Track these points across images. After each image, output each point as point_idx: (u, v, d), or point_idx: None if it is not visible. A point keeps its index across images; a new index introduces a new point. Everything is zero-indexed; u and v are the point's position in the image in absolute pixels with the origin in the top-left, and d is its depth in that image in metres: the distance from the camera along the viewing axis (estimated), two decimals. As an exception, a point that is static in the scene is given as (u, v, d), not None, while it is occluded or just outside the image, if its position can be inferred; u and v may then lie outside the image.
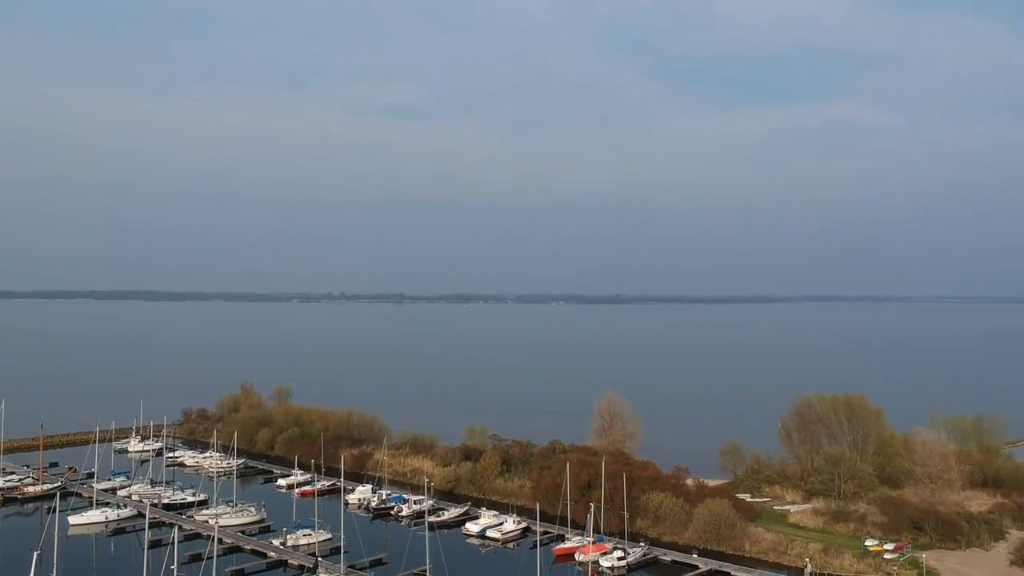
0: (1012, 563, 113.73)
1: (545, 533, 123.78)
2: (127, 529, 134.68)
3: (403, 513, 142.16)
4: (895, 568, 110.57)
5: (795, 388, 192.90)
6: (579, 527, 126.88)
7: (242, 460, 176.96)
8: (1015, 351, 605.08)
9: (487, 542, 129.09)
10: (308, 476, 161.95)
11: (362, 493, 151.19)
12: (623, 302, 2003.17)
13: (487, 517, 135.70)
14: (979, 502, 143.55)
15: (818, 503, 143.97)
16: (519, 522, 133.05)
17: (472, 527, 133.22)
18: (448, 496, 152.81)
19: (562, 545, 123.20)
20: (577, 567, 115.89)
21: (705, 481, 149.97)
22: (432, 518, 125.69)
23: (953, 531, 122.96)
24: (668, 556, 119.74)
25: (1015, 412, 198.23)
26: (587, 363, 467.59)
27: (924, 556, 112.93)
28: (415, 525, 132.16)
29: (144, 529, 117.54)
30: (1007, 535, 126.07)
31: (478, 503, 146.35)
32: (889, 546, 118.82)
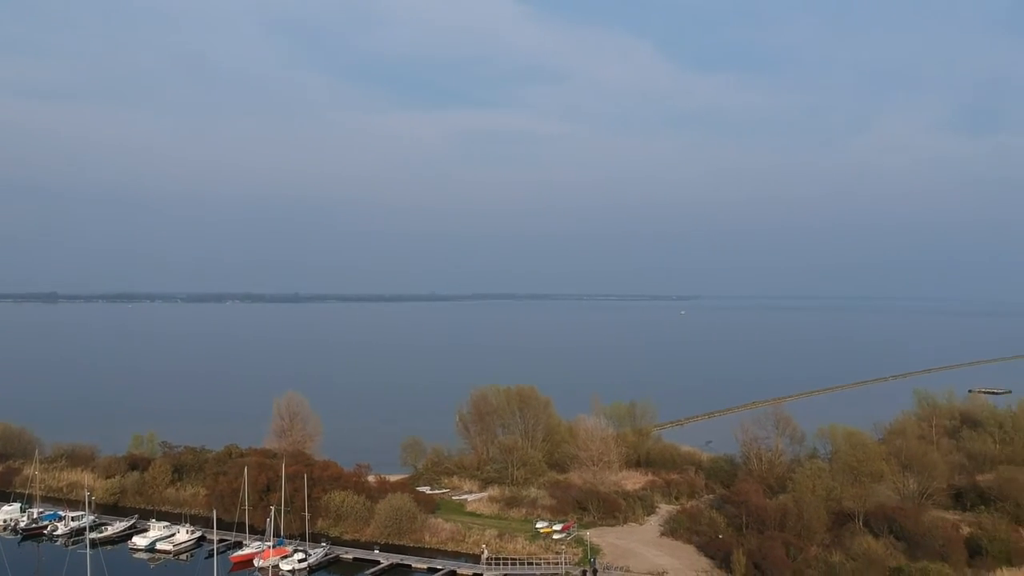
0: (662, 534, 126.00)
1: (222, 541, 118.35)
2: None
3: (59, 532, 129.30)
4: (563, 547, 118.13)
5: (472, 381, 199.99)
6: (259, 532, 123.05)
7: None
8: (659, 341, 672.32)
9: (157, 555, 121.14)
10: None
11: (8, 513, 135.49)
12: (303, 300, 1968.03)
13: (157, 529, 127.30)
14: (634, 481, 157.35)
15: (493, 491, 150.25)
16: (192, 532, 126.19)
17: (140, 541, 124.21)
18: (113, 510, 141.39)
19: (240, 552, 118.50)
20: (256, 573, 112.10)
21: (387, 477, 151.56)
22: (93, 534, 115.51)
23: (613, 509, 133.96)
24: (350, 554, 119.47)
25: (662, 398, 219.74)
26: (265, 363, 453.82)
27: (588, 534, 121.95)
28: (74, 543, 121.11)
29: None
30: (657, 509, 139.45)
31: (146, 515, 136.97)
32: (557, 527, 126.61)
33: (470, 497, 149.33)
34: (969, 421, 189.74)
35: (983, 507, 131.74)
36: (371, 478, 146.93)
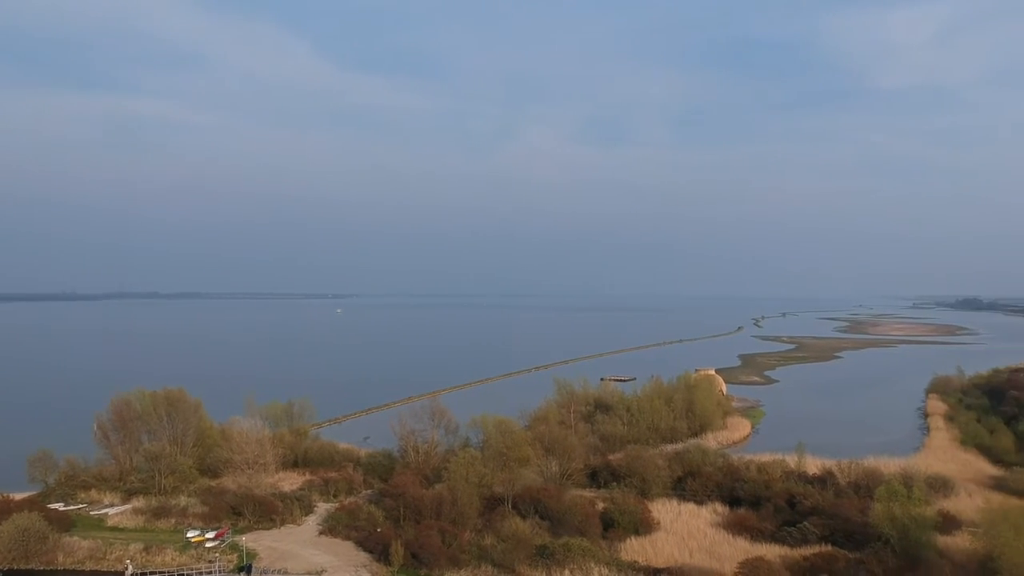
0: (321, 533, 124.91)
1: None
2: None
3: None
4: (217, 555, 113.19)
5: (114, 386, 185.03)
6: None
7: None
8: (316, 339, 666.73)
9: None
10: None
11: None
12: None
13: None
14: (291, 481, 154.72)
15: (138, 502, 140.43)
16: None
17: None
18: None
19: None
20: None
21: (11, 495, 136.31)
22: None
23: (269, 511, 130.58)
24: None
25: (320, 396, 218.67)
26: None
27: (244, 539, 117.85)
28: None
29: None
30: (316, 508, 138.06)
31: None
32: (210, 534, 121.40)
33: (111, 511, 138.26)
34: (602, 406, 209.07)
35: (615, 483, 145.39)
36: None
